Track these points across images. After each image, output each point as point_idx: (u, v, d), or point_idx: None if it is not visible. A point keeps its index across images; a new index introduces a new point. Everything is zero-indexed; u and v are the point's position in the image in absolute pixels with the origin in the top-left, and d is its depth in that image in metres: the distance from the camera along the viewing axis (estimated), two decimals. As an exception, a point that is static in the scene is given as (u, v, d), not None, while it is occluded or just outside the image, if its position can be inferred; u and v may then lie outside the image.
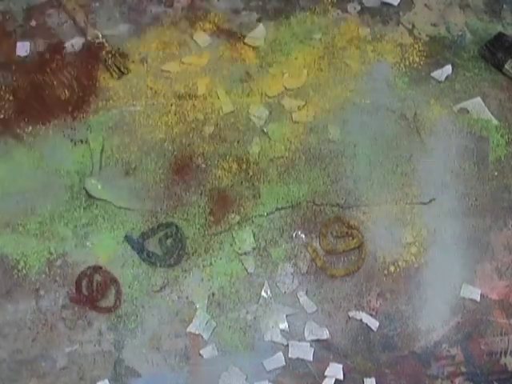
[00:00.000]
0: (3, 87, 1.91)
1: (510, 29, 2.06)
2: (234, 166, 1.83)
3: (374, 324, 1.67)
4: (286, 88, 1.94)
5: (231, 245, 1.74)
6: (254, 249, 1.73)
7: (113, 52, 1.97)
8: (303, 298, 1.68)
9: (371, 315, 1.68)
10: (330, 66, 1.98)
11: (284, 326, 1.66)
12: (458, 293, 1.70)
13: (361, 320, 1.67)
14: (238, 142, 1.87)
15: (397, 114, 1.91)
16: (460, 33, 2.06)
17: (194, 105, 1.91)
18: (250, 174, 1.82)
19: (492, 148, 1.88)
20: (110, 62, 1.95)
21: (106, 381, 1.59)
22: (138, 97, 1.92)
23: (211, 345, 1.63)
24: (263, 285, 1.70)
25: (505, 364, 1.65)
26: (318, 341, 1.65)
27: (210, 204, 1.78)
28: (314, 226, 1.77)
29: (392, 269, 1.72)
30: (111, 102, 1.90)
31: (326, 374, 1.61)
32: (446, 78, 1.98)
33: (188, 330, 1.64)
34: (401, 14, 2.08)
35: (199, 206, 1.78)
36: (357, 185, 1.82)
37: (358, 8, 2.09)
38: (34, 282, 1.68)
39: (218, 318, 1.66)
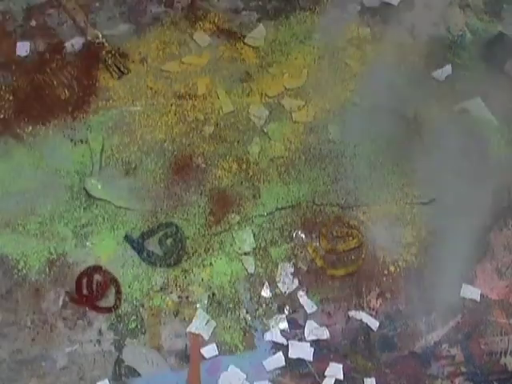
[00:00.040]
0: (3, 87, 1.91)
1: (510, 29, 2.06)
2: (234, 166, 1.83)
3: (374, 324, 1.67)
4: (285, 88, 1.94)
5: (231, 245, 1.74)
6: (254, 249, 1.73)
7: (113, 52, 1.97)
8: (303, 298, 1.68)
9: (371, 315, 1.68)
10: (329, 66, 1.98)
11: (284, 325, 1.66)
12: (458, 293, 1.70)
13: (361, 320, 1.67)
14: (238, 142, 1.87)
15: (397, 114, 1.91)
16: (460, 33, 2.06)
17: (193, 105, 1.91)
18: (250, 173, 1.82)
19: (492, 148, 1.88)
20: (110, 61, 1.95)
21: (106, 381, 1.59)
22: (137, 97, 1.92)
23: (211, 345, 1.63)
24: (263, 285, 1.70)
25: (505, 364, 1.65)
26: (317, 341, 1.65)
27: (209, 204, 1.78)
28: (313, 225, 1.77)
29: (392, 269, 1.72)
30: (111, 101, 1.90)
31: (325, 373, 1.61)
32: (446, 77, 1.98)
33: (188, 329, 1.64)
34: (401, 14, 2.08)
35: (199, 206, 1.78)
36: (357, 185, 1.82)
37: (358, 8, 2.08)
38: (34, 282, 1.68)
39: (217, 318, 1.66)
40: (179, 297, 1.68)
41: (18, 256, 1.70)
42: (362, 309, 1.68)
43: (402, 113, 1.91)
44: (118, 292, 1.67)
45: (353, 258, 1.74)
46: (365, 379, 1.62)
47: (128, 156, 1.83)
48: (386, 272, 1.72)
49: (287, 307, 1.68)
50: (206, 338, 1.64)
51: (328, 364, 1.62)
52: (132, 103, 1.90)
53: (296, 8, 2.08)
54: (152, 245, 1.73)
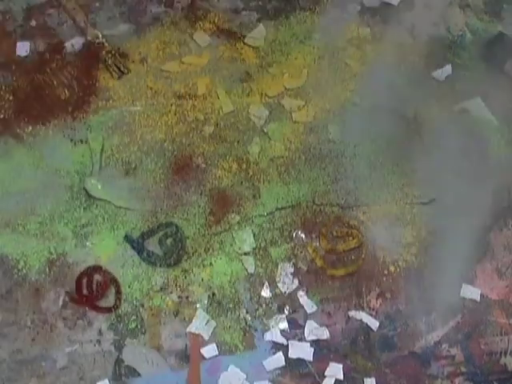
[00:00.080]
0: (3, 87, 1.91)
1: (510, 29, 2.06)
2: (234, 165, 1.83)
3: (374, 324, 1.67)
4: (285, 88, 1.94)
5: (231, 245, 1.74)
6: (253, 249, 1.73)
7: (113, 52, 1.97)
8: (303, 298, 1.68)
9: (371, 315, 1.68)
10: (329, 66, 1.98)
11: (284, 325, 1.66)
12: (458, 293, 1.70)
13: (361, 320, 1.67)
14: (238, 142, 1.87)
15: (397, 114, 1.91)
16: (460, 33, 2.06)
17: (193, 105, 1.91)
18: (250, 173, 1.82)
19: (492, 148, 1.88)
20: (110, 61, 1.95)
21: (106, 381, 1.59)
22: (137, 97, 1.91)
23: (211, 345, 1.63)
24: (263, 285, 1.70)
25: (505, 364, 1.65)
26: (317, 341, 1.65)
27: (209, 204, 1.78)
28: (313, 226, 1.77)
29: (392, 269, 1.72)
30: (111, 101, 1.90)
31: (325, 373, 1.61)
32: (446, 77, 1.98)
33: (188, 329, 1.64)
34: (401, 14, 2.08)
35: (199, 206, 1.78)
36: (357, 185, 1.82)
37: (358, 8, 2.08)
38: (34, 282, 1.68)
39: (217, 317, 1.66)
40: (179, 297, 1.68)
41: (18, 256, 1.70)
42: (362, 309, 1.68)
43: (402, 113, 1.91)
44: (118, 292, 1.67)
45: (353, 258, 1.74)
46: (365, 379, 1.62)
47: (128, 156, 1.83)
48: (385, 272, 1.72)
49: (287, 307, 1.68)
50: (206, 338, 1.64)
51: (328, 364, 1.62)
52: (132, 103, 1.90)
53: (296, 8, 2.08)
54: (152, 245, 1.73)
